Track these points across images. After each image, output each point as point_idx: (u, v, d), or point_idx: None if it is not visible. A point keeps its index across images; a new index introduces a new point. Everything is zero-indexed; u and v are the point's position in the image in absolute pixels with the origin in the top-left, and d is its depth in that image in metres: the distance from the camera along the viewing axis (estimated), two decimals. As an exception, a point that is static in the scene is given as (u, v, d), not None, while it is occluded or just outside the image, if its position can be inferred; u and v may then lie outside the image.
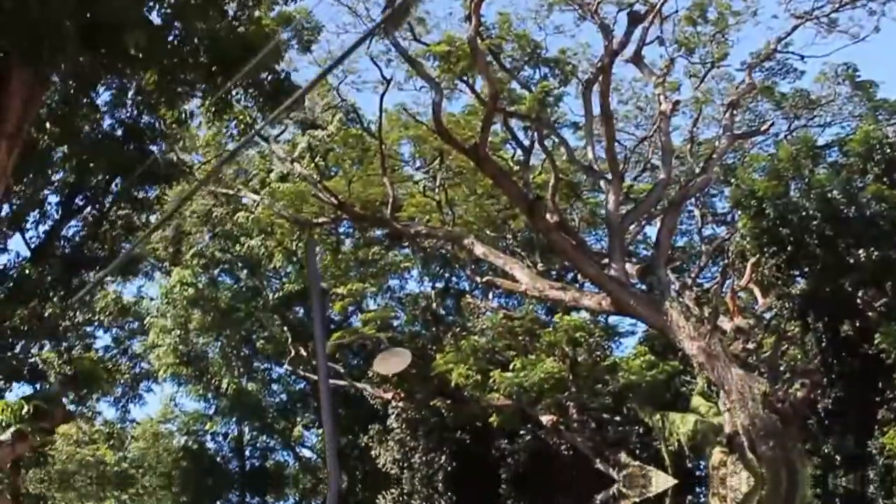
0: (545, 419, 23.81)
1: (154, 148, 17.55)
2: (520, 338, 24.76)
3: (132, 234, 18.79)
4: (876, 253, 27.36)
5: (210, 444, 43.20)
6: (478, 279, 26.10)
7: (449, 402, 25.36)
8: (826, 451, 29.48)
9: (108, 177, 17.60)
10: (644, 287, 23.12)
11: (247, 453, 44.60)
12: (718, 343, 19.77)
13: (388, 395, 26.66)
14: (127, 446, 45.11)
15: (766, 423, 17.99)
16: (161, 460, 43.06)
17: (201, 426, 41.75)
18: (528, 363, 22.85)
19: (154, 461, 43.78)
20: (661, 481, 21.59)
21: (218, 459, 42.84)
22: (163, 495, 42.41)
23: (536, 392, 23.23)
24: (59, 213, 17.98)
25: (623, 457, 22.61)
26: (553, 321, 25.18)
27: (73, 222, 18.50)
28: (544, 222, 19.66)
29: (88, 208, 18.18)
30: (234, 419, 39.76)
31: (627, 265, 22.26)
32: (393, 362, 11.73)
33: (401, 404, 28.36)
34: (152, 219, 19.31)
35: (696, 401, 24.62)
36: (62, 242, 18.45)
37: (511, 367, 23.24)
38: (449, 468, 28.08)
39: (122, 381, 37.77)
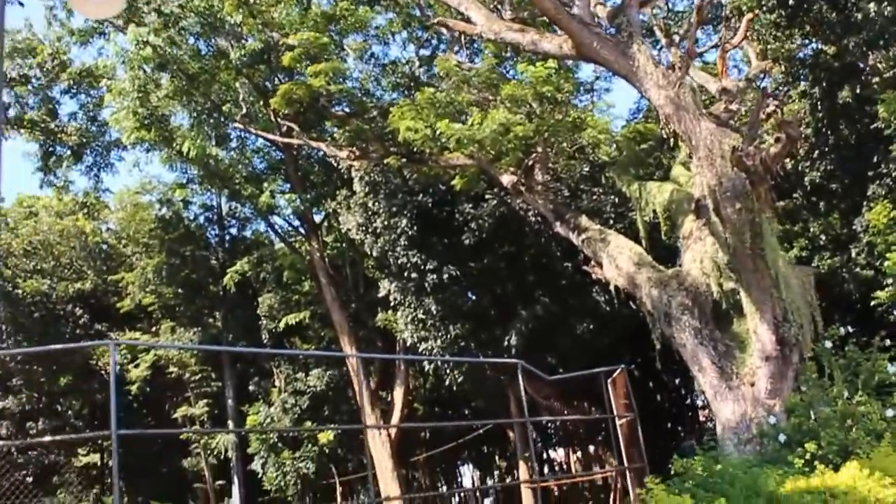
0: (506, 180, 22.05)
1: None
2: (476, 90, 22.62)
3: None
4: (889, 8, 24.78)
5: (187, 214, 42.47)
6: (433, 22, 23.62)
7: (404, 160, 23.66)
8: (812, 231, 28.05)
9: None
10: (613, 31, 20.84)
11: (225, 223, 44.09)
12: (689, 94, 17.58)
13: (343, 154, 24.97)
14: (105, 218, 44.56)
15: (733, 182, 16.06)
16: (139, 230, 42.42)
17: (177, 197, 40.79)
18: (485, 117, 20.83)
19: (132, 232, 43.22)
20: (621, 244, 20.01)
21: (192, 228, 42.19)
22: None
23: (495, 150, 21.38)
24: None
25: (583, 220, 20.95)
26: (517, 74, 23.06)
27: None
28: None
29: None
30: (209, 188, 38.61)
31: (598, 7, 19.91)
32: (94, 3, 9.15)
33: (358, 164, 26.76)
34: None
35: (677, 170, 22.71)
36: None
37: (470, 122, 21.27)
38: (410, 232, 26.76)
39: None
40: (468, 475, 64.72)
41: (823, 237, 28.00)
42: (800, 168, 27.21)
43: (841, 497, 7.32)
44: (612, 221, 26.38)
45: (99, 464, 53.16)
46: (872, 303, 21.54)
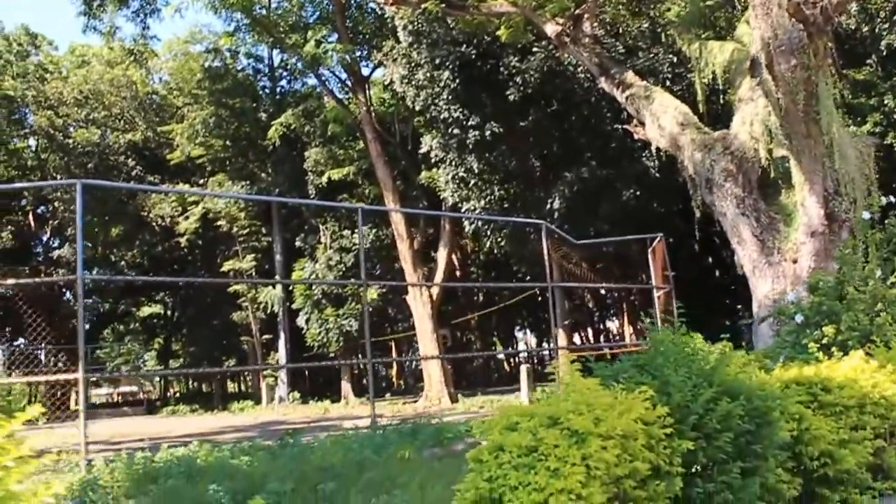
0: (550, 29, 20.29)
1: None
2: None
3: None
4: None
5: (236, 65, 41.34)
6: None
7: (443, 6, 21.94)
8: (887, 104, 25.55)
9: None
10: None
11: (277, 75, 42.98)
12: (749, -68, 15.55)
13: (381, 1, 23.40)
14: (155, 68, 43.74)
15: (789, 34, 14.18)
16: (188, 81, 41.55)
17: (225, 46, 39.60)
18: (527, -43, 19.00)
19: (182, 82, 42.41)
20: (665, 102, 18.31)
21: (241, 79, 41.09)
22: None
23: (540, -2, 19.62)
24: None
25: (629, 76, 19.18)
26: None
27: None
28: None
29: None
30: (257, 37, 37.25)
31: None
32: None
33: (401, 13, 25.13)
34: None
35: (741, 29, 20.57)
36: None
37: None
38: (453, 85, 25.21)
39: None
40: (523, 340, 64.76)
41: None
42: (876, 31, 24.64)
43: (835, 392, 6.08)
44: (668, 82, 24.48)
45: (163, 314, 54.48)
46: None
